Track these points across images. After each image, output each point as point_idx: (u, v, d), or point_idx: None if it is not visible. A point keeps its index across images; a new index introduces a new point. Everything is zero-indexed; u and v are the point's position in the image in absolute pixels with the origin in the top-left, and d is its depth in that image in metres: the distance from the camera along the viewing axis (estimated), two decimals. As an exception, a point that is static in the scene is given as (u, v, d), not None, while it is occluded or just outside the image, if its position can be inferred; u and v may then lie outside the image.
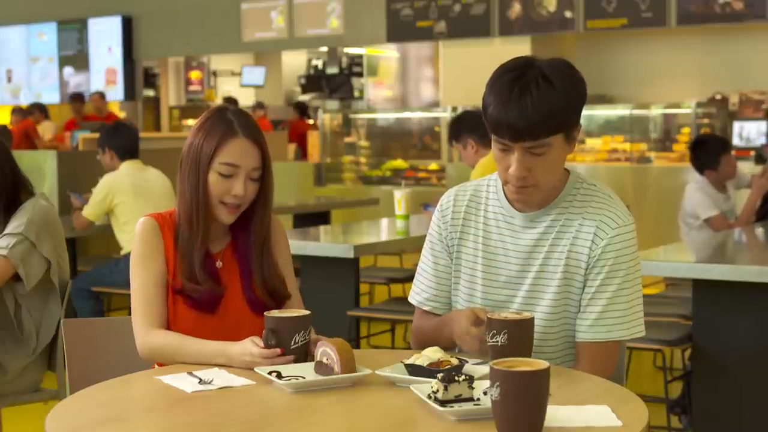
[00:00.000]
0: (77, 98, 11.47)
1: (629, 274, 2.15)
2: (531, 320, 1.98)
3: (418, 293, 2.34)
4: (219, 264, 2.34)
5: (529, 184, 2.11)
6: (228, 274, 2.34)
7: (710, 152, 5.43)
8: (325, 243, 4.60)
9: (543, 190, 2.14)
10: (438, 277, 2.31)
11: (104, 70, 12.29)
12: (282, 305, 2.36)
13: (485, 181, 2.29)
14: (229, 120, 2.30)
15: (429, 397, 1.76)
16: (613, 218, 2.16)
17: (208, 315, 2.28)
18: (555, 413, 1.67)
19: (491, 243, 2.24)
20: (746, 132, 8.79)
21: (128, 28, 11.93)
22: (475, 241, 2.26)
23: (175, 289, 2.29)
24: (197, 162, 2.29)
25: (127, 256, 5.23)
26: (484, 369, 1.88)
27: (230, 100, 11.53)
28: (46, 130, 11.36)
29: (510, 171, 2.09)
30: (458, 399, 1.74)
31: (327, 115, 10.68)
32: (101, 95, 11.50)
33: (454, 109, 9.09)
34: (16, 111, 11.77)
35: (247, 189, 2.28)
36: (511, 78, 2.05)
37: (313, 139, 10.59)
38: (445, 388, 1.74)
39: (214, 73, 14.56)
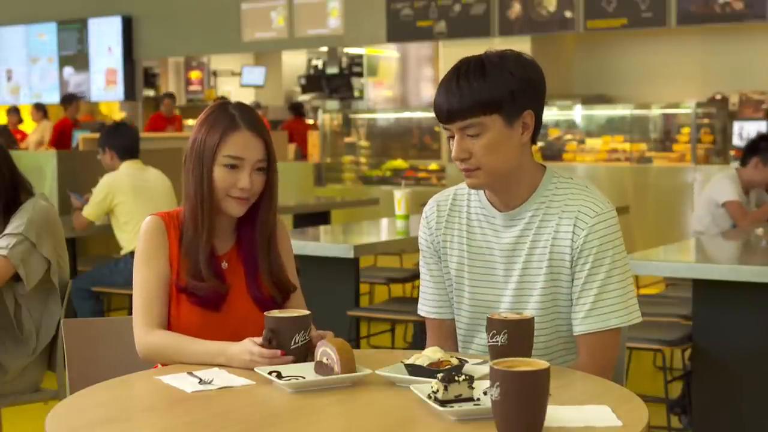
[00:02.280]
0: (72, 98, 11.45)
1: (616, 260, 2.14)
2: (531, 320, 1.98)
3: (423, 304, 2.36)
4: (224, 265, 2.34)
5: (473, 167, 2.14)
6: (233, 274, 2.34)
7: None
8: (325, 243, 4.60)
9: (491, 174, 2.15)
10: (436, 285, 2.32)
11: (104, 70, 12.29)
12: (287, 298, 2.37)
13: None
14: (231, 114, 2.31)
15: (429, 397, 1.76)
16: (591, 207, 2.16)
17: (212, 313, 2.28)
18: (555, 413, 1.67)
19: (475, 244, 2.25)
20: (746, 132, 8.78)
21: (128, 28, 11.93)
22: (460, 243, 2.27)
23: (179, 287, 2.29)
24: (201, 157, 2.29)
25: (127, 256, 5.26)
26: (484, 369, 1.88)
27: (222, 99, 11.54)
28: (46, 131, 11.36)
29: (452, 154, 2.16)
30: (458, 399, 1.74)
31: (327, 115, 10.68)
32: (173, 97, 11.56)
33: (454, 109, 9.06)
34: (12, 111, 11.84)
35: (253, 181, 2.29)
36: (453, 69, 2.15)
37: (313, 139, 10.59)
38: (445, 388, 1.74)
39: (214, 73, 14.56)
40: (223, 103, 2.36)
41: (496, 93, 2.10)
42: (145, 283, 2.29)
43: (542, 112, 2.21)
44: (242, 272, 2.35)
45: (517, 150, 2.15)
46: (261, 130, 2.31)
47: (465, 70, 2.12)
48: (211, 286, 2.27)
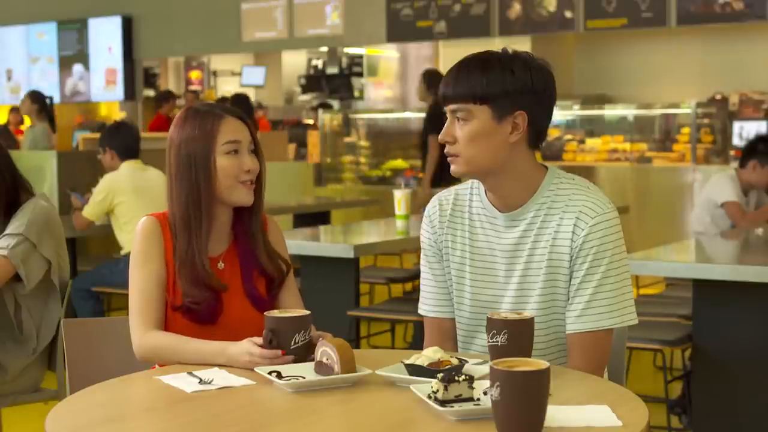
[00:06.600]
0: (168, 96, 11.22)
1: (614, 261, 2.14)
2: (531, 320, 1.98)
3: (423, 303, 2.35)
4: (221, 265, 2.35)
5: (453, 152, 2.18)
6: (229, 274, 2.35)
7: None
8: (325, 243, 4.61)
9: (470, 164, 2.17)
10: (438, 284, 2.32)
11: (104, 70, 12.29)
12: (283, 282, 2.39)
13: (468, 184, 2.32)
14: (206, 110, 2.36)
15: (429, 397, 1.76)
16: (592, 207, 2.16)
17: (209, 327, 2.29)
18: (555, 413, 1.67)
19: (477, 244, 2.25)
20: (746, 132, 8.78)
21: (128, 28, 11.92)
22: (462, 243, 2.27)
23: (173, 307, 2.29)
24: (193, 156, 2.30)
25: (128, 256, 5.25)
26: (484, 369, 1.88)
27: (224, 100, 11.50)
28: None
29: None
30: (458, 399, 1.74)
31: (327, 115, 10.68)
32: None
33: (454, 109, 9.06)
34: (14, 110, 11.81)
35: (253, 161, 2.34)
36: (462, 58, 2.20)
37: (313, 139, 10.58)
38: (445, 388, 1.74)
39: (214, 73, 14.54)
40: (192, 106, 2.41)
41: (489, 87, 2.13)
42: (141, 284, 2.29)
43: (545, 120, 2.21)
44: (238, 271, 2.36)
45: (503, 147, 2.16)
46: (240, 114, 2.38)
47: (469, 60, 2.17)
48: (207, 296, 2.27)
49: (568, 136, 9.27)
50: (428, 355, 1.95)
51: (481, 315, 2.20)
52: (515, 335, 1.94)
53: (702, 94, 9.81)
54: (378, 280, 5.59)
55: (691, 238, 5.38)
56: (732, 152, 8.60)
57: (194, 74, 14.38)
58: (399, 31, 9.97)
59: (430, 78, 7.39)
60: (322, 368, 1.97)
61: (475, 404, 1.74)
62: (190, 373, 2.04)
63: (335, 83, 14.33)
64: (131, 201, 5.26)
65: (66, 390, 2.47)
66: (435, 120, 7.14)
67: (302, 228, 5.94)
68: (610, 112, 9.51)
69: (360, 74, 13.73)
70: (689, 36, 10.07)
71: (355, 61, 14.04)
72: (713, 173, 6.63)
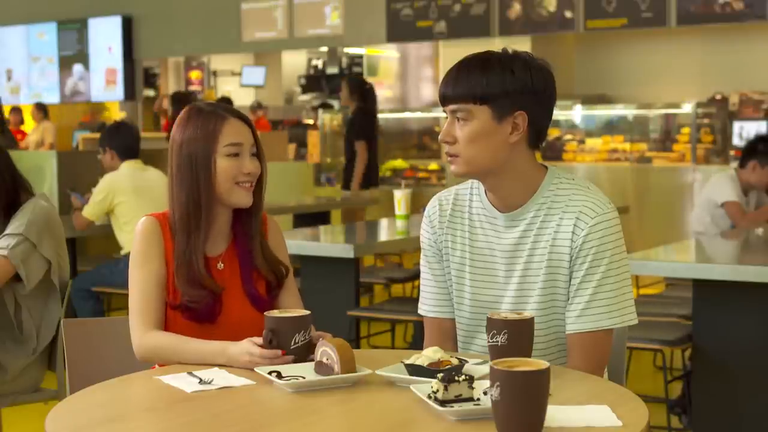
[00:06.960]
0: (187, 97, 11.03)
1: (614, 261, 2.14)
2: (531, 320, 1.98)
3: (423, 303, 2.35)
4: (220, 266, 2.35)
5: (453, 152, 2.18)
6: (229, 274, 2.35)
7: None
8: (325, 243, 4.61)
9: (470, 164, 2.16)
10: (438, 284, 2.32)
11: (104, 70, 12.29)
12: (282, 285, 2.38)
13: (468, 184, 2.32)
14: (210, 110, 2.35)
15: (429, 397, 1.76)
16: (592, 207, 2.16)
17: (208, 325, 2.29)
18: (555, 413, 1.67)
19: (477, 244, 2.25)
20: (746, 132, 8.78)
21: (128, 28, 11.93)
22: (462, 243, 2.27)
23: (173, 305, 2.29)
24: (194, 156, 2.30)
25: (127, 256, 5.24)
26: (484, 369, 1.88)
27: (226, 99, 11.49)
28: (46, 131, 11.35)
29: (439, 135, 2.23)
30: (458, 399, 1.74)
31: (327, 115, 10.68)
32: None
33: (454, 109, 9.05)
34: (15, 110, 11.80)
35: (254, 164, 2.33)
36: (462, 58, 2.20)
37: (313, 139, 10.58)
38: (445, 388, 1.74)
39: (214, 73, 14.54)
40: (193, 105, 2.40)
41: (489, 88, 2.12)
42: (141, 284, 2.29)
43: (545, 120, 2.21)
44: (238, 271, 2.35)
45: (503, 148, 2.16)
46: (243, 116, 2.37)
47: (469, 60, 2.17)
48: (206, 294, 2.28)
49: (568, 136, 9.27)
50: (428, 355, 1.95)
51: (481, 315, 2.20)
52: (515, 335, 1.94)
53: (702, 94, 9.81)
54: (378, 280, 5.59)
55: (691, 238, 5.38)
56: (732, 152, 8.60)
57: (194, 74, 14.38)
58: (399, 31, 9.97)
59: (353, 84, 7.52)
60: (322, 368, 1.97)
61: (475, 404, 1.74)
62: (190, 373, 2.04)
63: (335, 83, 14.32)
64: (131, 201, 5.26)
65: (66, 390, 2.47)
66: (359, 125, 7.33)
67: (302, 228, 5.93)
68: (610, 112, 9.51)
69: (360, 74, 13.72)
70: (689, 36, 10.07)
71: (355, 61, 14.03)
72: (713, 173, 6.64)
